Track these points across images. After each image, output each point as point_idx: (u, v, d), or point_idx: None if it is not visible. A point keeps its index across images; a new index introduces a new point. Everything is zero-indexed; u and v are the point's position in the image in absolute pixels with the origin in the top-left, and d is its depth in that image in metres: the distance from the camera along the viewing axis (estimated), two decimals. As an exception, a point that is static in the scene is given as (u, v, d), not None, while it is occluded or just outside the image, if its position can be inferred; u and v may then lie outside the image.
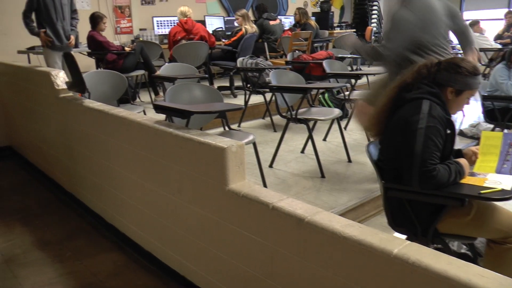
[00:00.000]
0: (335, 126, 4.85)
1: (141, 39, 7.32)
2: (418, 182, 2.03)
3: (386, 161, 2.26)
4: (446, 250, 2.11)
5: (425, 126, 2.05)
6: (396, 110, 2.23)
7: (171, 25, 7.61)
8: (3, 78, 5.57)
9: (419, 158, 2.02)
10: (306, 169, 4.04)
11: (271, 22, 7.79)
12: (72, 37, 5.44)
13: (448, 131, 2.14)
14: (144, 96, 6.75)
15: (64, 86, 3.99)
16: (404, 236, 2.22)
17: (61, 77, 4.06)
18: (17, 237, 3.54)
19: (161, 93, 6.25)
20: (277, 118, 5.52)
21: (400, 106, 2.21)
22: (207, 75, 6.36)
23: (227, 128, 3.64)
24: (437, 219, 2.10)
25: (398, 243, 1.55)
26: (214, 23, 8.20)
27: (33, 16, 5.23)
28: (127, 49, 6.13)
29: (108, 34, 6.80)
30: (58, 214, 3.97)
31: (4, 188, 4.86)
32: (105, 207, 3.52)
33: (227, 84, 6.75)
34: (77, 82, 3.82)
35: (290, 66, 5.81)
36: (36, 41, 5.86)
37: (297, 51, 6.66)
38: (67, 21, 5.37)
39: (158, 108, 2.96)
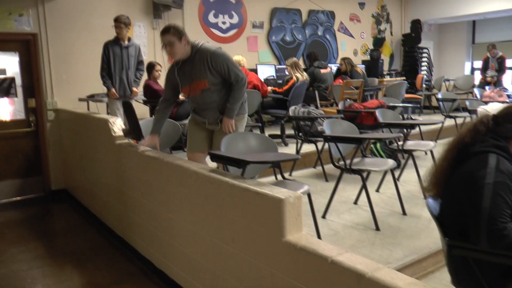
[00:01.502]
0: (388, 176, 4.74)
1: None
2: (487, 242, 1.92)
3: (448, 217, 2.16)
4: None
5: (493, 182, 1.95)
6: (459, 164, 2.14)
7: (224, 74, 7.78)
8: (65, 124, 5.84)
9: (487, 216, 1.91)
10: (359, 221, 3.93)
11: (322, 71, 7.84)
12: (135, 90, 5.66)
13: (518, 187, 2.02)
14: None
15: (121, 133, 4.12)
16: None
17: (118, 124, 4.20)
18: (69, 279, 3.59)
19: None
20: (328, 168, 5.45)
21: (463, 161, 2.13)
22: (260, 124, 6.41)
23: (280, 177, 3.62)
24: (510, 282, 1.96)
25: (468, 306, 1.46)
26: (265, 71, 8.34)
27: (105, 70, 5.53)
28: (181, 97, 6.29)
29: (163, 82, 7.04)
30: (108, 257, 4.01)
31: (58, 229, 4.98)
32: (155, 253, 3.52)
33: (278, 132, 6.78)
34: (133, 129, 3.93)
35: (342, 115, 5.78)
36: (95, 89, 6.14)
37: (348, 100, 6.64)
38: (132, 71, 5.63)
39: (214, 157, 2.98)
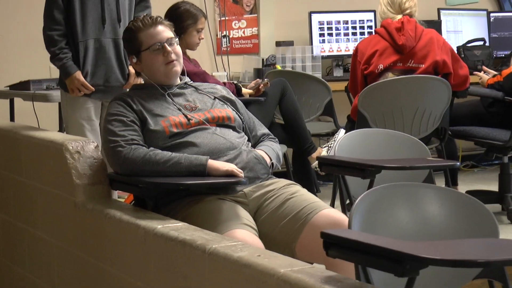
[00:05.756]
0: None
1: (279, 67, 3.92)
2: None
3: None
4: None
5: None
6: None
7: (356, 34, 4.06)
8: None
9: None
10: None
11: None
12: (133, 71, 2.51)
13: None
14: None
15: (103, 183, 1.80)
16: None
17: (90, 157, 1.88)
18: None
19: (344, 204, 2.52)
20: None
21: None
22: (451, 164, 2.61)
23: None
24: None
25: None
26: (462, 28, 3.95)
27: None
28: (246, 92, 3.14)
29: (201, 53, 3.72)
30: None
31: None
32: None
33: (490, 187, 3.36)
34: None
35: None
36: (31, 72, 3.24)
37: None
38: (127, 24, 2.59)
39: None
